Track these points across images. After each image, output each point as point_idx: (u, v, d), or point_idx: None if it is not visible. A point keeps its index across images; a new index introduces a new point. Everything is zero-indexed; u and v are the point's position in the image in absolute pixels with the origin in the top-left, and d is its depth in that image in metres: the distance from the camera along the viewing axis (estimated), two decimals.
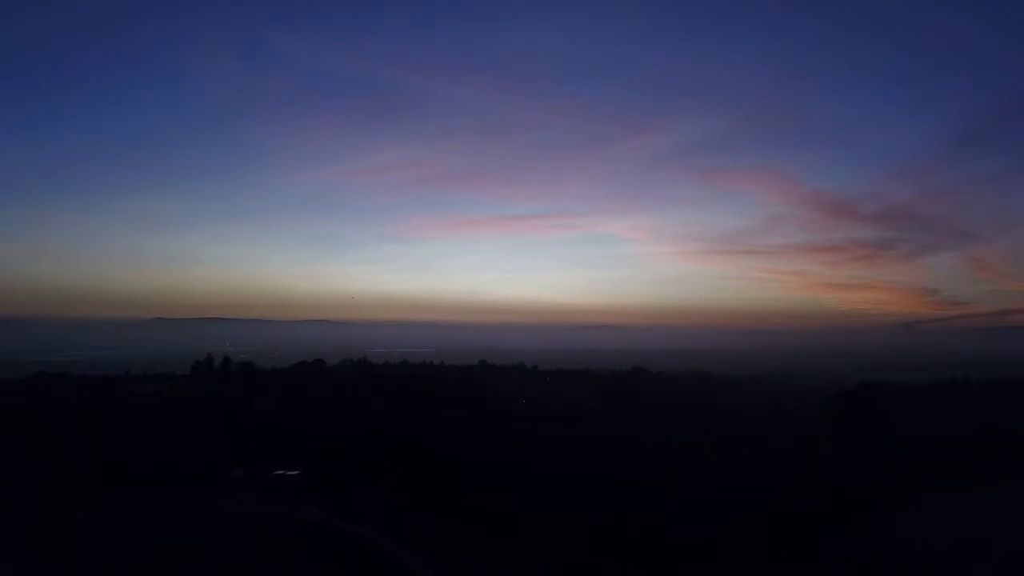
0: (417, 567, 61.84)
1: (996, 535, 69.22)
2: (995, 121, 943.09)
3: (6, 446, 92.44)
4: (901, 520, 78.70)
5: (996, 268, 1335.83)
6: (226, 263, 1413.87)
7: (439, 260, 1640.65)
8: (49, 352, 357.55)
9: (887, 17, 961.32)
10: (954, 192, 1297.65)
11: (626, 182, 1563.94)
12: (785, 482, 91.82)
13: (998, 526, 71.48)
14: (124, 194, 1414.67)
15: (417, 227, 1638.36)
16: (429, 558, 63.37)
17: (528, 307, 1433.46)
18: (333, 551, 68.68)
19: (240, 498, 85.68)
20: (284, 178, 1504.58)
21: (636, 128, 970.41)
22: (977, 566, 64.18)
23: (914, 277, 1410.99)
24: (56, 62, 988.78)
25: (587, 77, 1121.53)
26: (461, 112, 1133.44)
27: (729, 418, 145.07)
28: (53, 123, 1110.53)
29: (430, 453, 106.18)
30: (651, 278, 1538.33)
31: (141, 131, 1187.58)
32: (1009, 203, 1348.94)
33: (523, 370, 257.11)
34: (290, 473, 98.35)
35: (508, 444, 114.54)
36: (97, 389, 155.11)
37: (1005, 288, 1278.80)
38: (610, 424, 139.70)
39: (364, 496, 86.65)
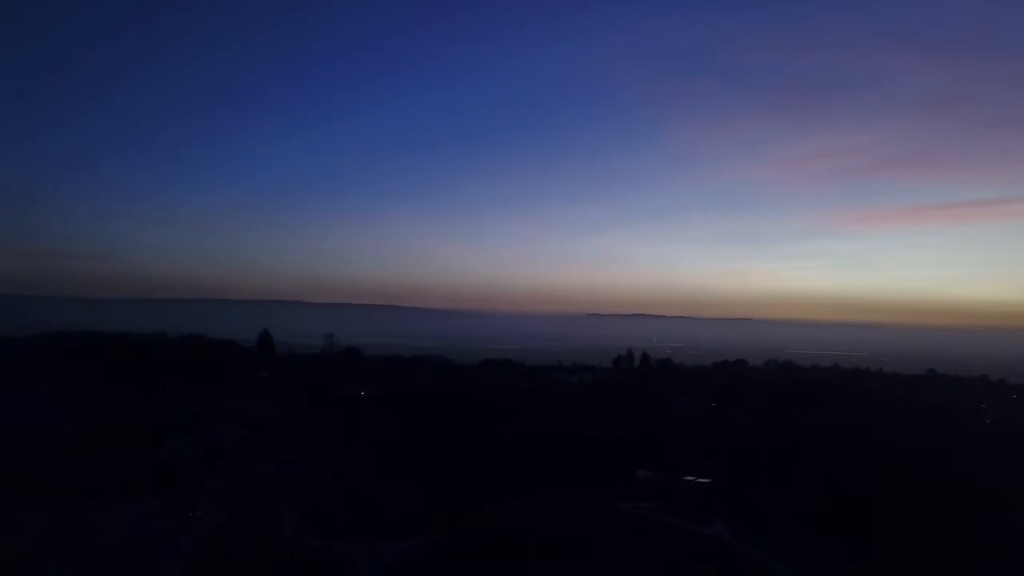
0: None
1: None
2: None
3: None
4: None
5: None
6: (649, 262, 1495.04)
7: (872, 255, 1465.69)
8: (497, 341, 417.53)
9: None
10: None
11: None
12: None
13: None
14: (557, 201, 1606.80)
15: (845, 220, 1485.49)
16: None
17: (987, 309, 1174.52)
18: None
19: (642, 503, 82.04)
20: (699, 178, 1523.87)
21: None
22: None
23: None
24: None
25: None
26: (896, 91, 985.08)
27: None
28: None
29: (853, 480, 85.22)
30: None
31: (565, 146, 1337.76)
32: None
33: (985, 383, 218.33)
34: (701, 481, 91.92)
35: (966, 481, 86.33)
36: (531, 377, 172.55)
37: None
38: None
39: (776, 517, 75.62)
